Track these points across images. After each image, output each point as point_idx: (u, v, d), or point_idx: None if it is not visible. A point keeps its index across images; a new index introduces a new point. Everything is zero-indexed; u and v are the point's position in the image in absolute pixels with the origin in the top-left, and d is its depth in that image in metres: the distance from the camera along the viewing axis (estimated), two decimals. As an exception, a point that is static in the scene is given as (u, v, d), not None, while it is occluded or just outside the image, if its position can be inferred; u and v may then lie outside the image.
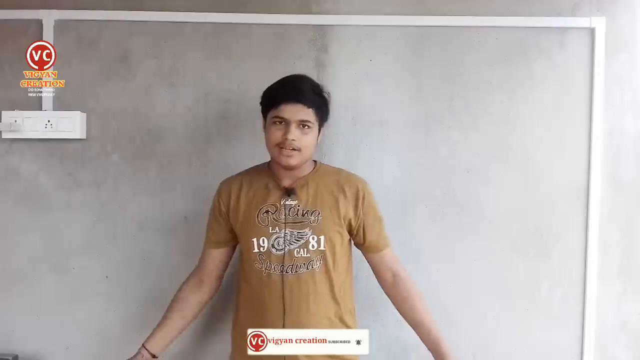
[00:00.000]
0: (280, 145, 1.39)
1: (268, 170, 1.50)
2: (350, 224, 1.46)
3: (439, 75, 1.78)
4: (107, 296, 1.78)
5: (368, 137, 1.78)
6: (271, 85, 1.46)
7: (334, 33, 1.78)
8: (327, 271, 1.42)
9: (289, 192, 1.44)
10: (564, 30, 1.78)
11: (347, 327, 1.46)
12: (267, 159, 1.76)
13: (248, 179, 1.50)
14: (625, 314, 1.79)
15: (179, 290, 1.55)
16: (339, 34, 1.78)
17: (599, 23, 1.76)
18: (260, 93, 1.75)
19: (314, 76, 1.73)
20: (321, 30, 1.78)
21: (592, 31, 1.77)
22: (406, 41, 1.78)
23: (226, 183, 1.53)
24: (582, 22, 1.77)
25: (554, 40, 1.78)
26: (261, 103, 1.48)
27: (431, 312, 1.49)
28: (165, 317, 1.52)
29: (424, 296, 1.51)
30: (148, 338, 1.49)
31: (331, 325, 1.42)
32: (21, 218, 1.77)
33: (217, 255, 1.53)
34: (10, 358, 1.73)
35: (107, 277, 1.78)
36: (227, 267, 1.57)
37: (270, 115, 1.42)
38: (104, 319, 1.78)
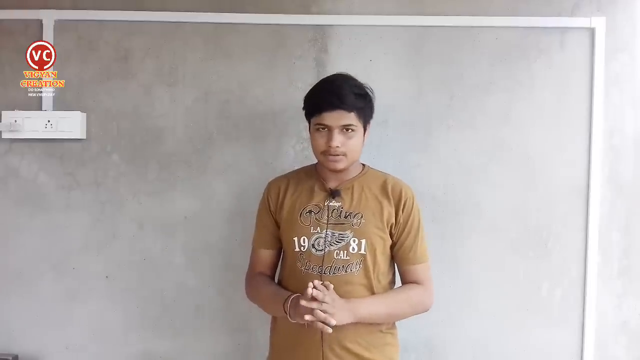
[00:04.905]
0: (326, 152, 1.38)
1: (315, 172, 1.49)
2: (391, 230, 1.43)
3: (439, 75, 1.78)
4: (107, 296, 1.78)
5: (368, 137, 1.77)
6: (311, 90, 1.44)
7: (334, 33, 1.78)
8: (367, 276, 1.39)
9: (333, 194, 1.42)
10: (563, 30, 1.78)
11: (385, 332, 1.43)
12: (266, 157, 1.77)
13: (295, 180, 1.50)
14: (625, 314, 1.80)
15: (255, 285, 1.48)
16: (339, 34, 1.78)
17: (599, 23, 1.76)
18: (260, 93, 1.77)
19: (313, 76, 1.74)
20: (321, 30, 1.78)
21: (592, 31, 1.77)
22: (406, 41, 1.78)
23: (275, 182, 1.52)
24: (582, 22, 1.77)
25: (553, 40, 1.78)
26: (303, 108, 1.45)
27: (400, 308, 1.42)
28: (278, 288, 1.44)
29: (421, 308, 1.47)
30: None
31: (368, 331, 1.39)
32: (21, 218, 1.77)
33: (265, 257, 1.51)
34: (10, 358, 1.73)
35: (107, 277, 1.78)
36: (275, 269, 1.53)
37: (312, 122, 1.40)
38: (104, 319, 1.78)
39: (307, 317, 1.24)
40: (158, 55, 1.77)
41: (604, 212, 1.78)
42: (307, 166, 1.55)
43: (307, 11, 1.77)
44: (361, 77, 1.75)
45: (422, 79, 1.78)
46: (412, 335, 1.76)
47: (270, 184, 1.53)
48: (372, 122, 1.75)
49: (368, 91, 1.44)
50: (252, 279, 1.51)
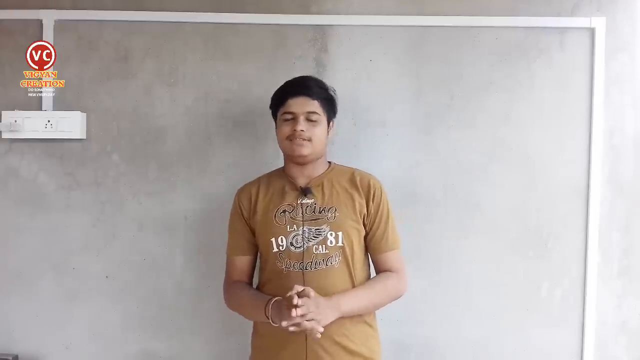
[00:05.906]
0: (290, 137, 1.43)
1: (284, 173, 1.52)
2: (364, 220, 1.47)
3: (439, 75, 1.78)
4: (107, 296, 1.78)
5: (368, 137, 1.78)
6: (278, 88, 1.51)
7: (334, 33, 1.78)
8: (347, 267, 1.43)
9: (305, 192, 1.45)
10: (563, 30, 1.78)
11: (367, 324, 1.46)
12: (266, 157, 1.77)
13: (265, 183, 1.52)
14: (625, 314, 1.80)
15: (233, 293, 1.49)
16: (339, 34, 1.78)
17: (599, 23, 1.76)
18: (260, 93, 1.77)
19: (313, 76, 1.74)
20: (321, 30, 1.78)
21: (592, 31, 1.77)
22: (406, 41, 1.78)
23: (244, 188, 1.54)
24: (582, 22, 1.77)
25: (553, 40, 1.78)
26: (271, 106, 1.51)
27: (379, 297, 1.44)
28: (256, 293, 1.46)
29: (398, 294, 1.47)
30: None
31: (351, 322, 1.41)
32: (21, 218, 1.77)
33: (241, 264, 1.51)
34: (10, 358, 1.73)
35: (107, 277, 1.78)
36: (252, 276, 1.54)
37: (279, 113, 1.47)
38: (104, 319, 1.78)
39: (292, 329, 1.26)
40: (158, 55, 1.77)
41: (604, 212, 1.78)
42: (275, 169, 1.58)
43: (307, 11, 1.77)
44: (361, 77, 1.78)
45: (422, 79, 1.78)
46: (411, 335, 1.76)
47: (240, 191, 1.54)
48: (369, 122, 1.77)
49: (331, 92, 1.50)
50: (230, 287, 1.51)
